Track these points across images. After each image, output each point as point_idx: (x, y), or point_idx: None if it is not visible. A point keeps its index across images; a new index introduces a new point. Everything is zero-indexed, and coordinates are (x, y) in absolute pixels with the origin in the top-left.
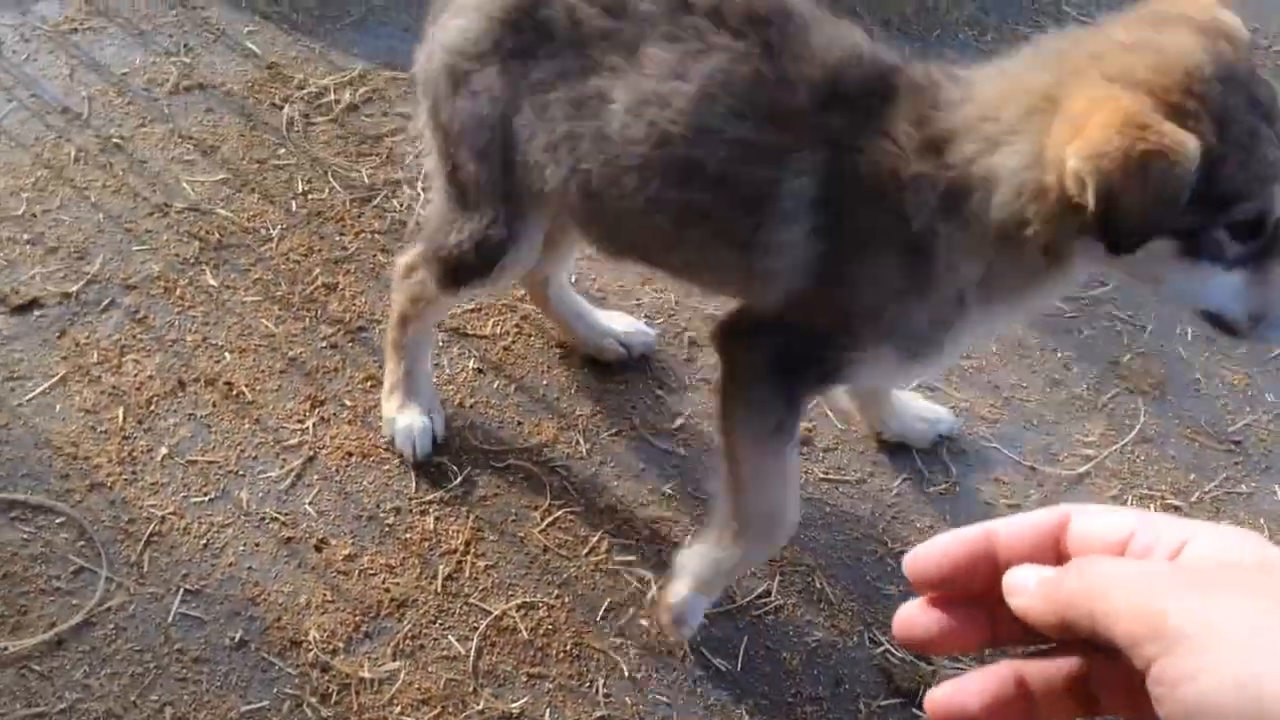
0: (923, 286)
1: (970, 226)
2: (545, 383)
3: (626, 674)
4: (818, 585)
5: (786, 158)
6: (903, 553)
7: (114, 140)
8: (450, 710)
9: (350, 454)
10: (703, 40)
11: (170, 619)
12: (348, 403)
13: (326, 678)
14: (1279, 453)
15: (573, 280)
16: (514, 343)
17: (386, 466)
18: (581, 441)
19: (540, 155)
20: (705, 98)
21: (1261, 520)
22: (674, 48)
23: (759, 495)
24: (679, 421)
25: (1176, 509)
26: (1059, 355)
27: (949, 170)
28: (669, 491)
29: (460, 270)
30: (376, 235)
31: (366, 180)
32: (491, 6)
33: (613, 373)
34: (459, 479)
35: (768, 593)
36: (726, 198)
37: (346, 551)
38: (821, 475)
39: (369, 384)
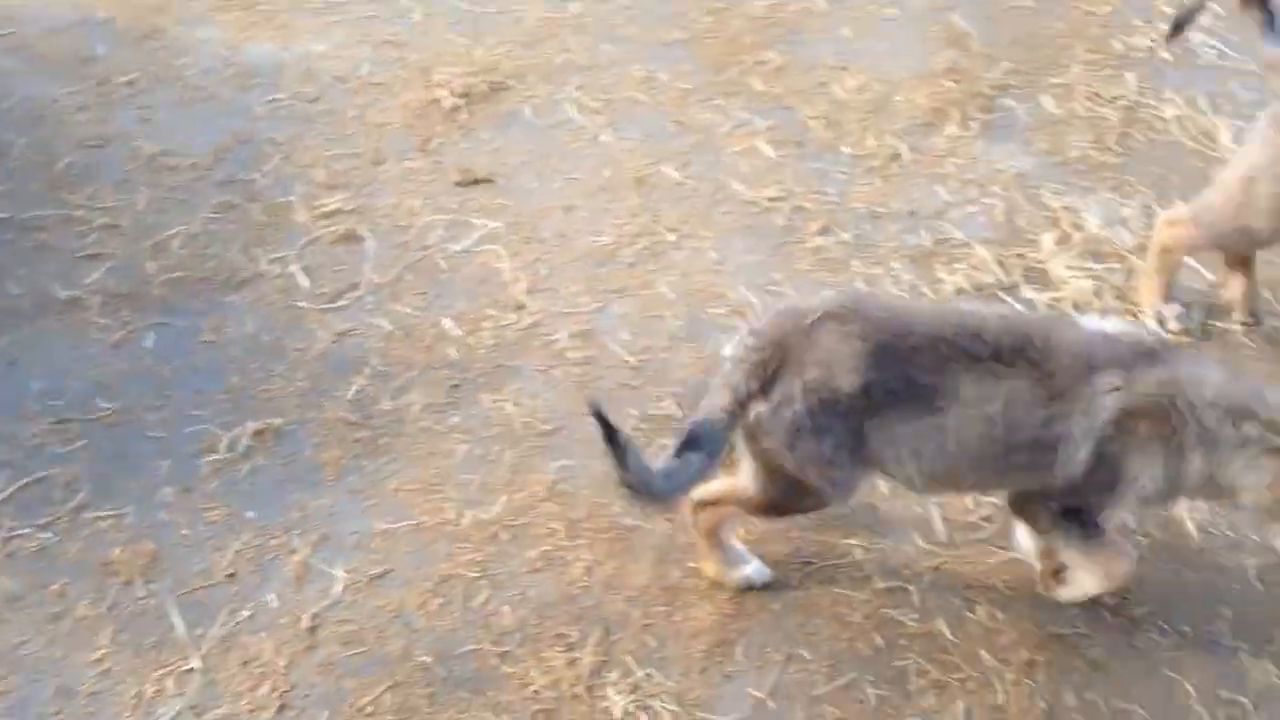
0: (1173, 475)
1: (1219, 447)
2: None
3: None
4: None
5: (1070, 417)
6: None
7: None
8: None
9: None
10: (994, 374)
11: None
12: None
13: None
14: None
15: None
16: None
17: None
18: None
19: (891, 460)
20: (1010, 406)
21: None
22: (981, 384)
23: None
24: None
25: None
26: (51, 589)
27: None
28: None
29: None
30: None
31: None
32: (850, 386)
33: None
34: None
35: None
36: (1039, 453)
37: None
38: None
39: None
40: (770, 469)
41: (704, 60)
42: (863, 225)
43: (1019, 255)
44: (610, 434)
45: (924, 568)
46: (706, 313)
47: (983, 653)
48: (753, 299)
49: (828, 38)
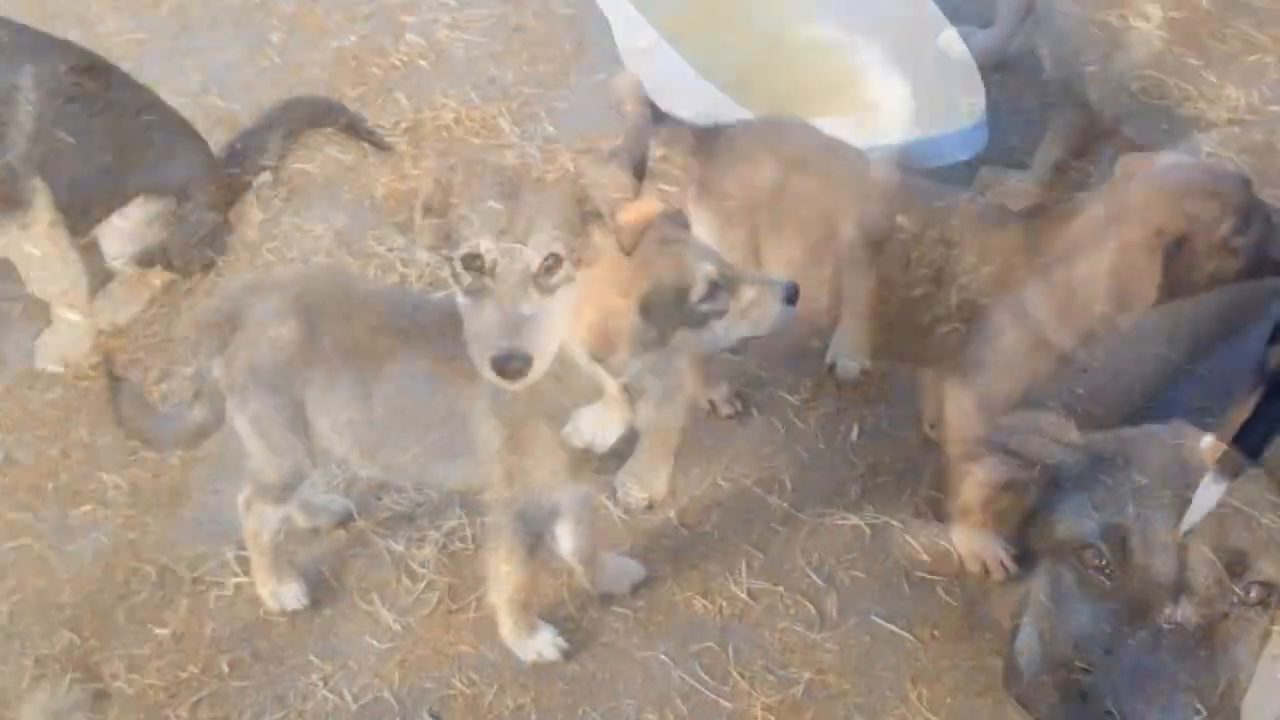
0: None
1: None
2: None
3: None
4: None
5: (470, 398)
6: None
7: None
8: None
9: None
10: (418, 350)
11: None
12: None
13: None
14: None
15: None
16: None
17: None
18: None
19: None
20: (428, 381)
21: None
22: (407, 359)
23: None
24: None
25: None
26: None
27: None
28: None
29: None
30: None
31: None
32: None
33: None
34: None
35: None
36: (452, 432)
37: None
38: None
39: None
40: (247, 434)
41: None
42: None
43: None
44: (114, 382)
45: (391, 668)
46: None
47: None
48: None
49: None
